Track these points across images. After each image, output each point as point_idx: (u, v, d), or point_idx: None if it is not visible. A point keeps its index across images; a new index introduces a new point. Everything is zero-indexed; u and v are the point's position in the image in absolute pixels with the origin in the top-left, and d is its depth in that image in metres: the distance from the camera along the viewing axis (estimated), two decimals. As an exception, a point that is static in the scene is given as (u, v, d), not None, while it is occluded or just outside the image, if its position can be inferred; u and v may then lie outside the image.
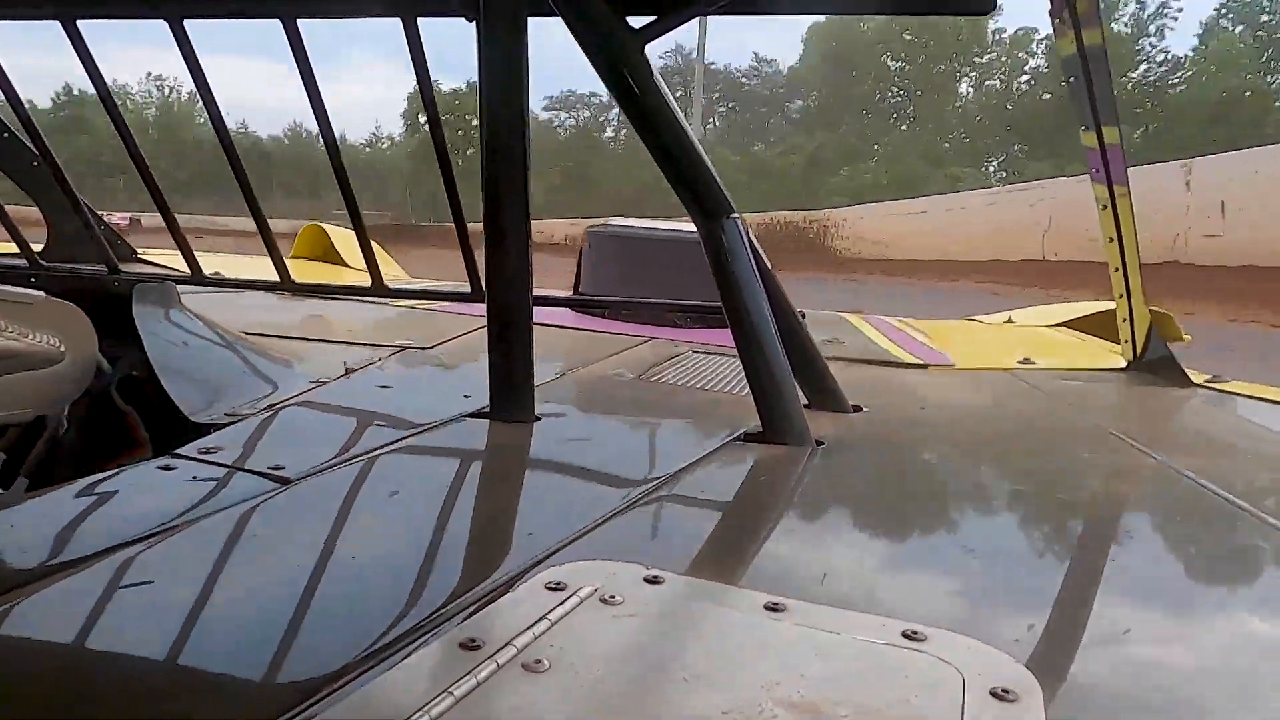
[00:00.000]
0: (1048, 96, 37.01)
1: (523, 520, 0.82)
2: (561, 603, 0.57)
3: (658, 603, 0.59)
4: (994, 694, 0.48)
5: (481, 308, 1.11)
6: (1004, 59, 42.19)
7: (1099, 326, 2.37)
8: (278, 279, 1.41)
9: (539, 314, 1.10)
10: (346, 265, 3.11)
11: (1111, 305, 2.41)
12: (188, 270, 1.47)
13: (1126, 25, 35.87)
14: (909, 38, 42.13)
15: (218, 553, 0.68)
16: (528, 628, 0.54)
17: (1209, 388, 1.69)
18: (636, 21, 0.98)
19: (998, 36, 41.43)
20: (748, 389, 1.11)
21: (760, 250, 1.17)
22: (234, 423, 1.02)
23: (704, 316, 2.02)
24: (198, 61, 1.18)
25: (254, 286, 1.59)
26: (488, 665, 0.49)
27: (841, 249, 25.40)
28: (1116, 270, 1.76)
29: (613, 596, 0.59)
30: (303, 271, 2.42)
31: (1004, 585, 0.70)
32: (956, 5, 0.98)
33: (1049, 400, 1.55)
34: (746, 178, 38.78)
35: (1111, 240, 1.72)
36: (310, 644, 0.55)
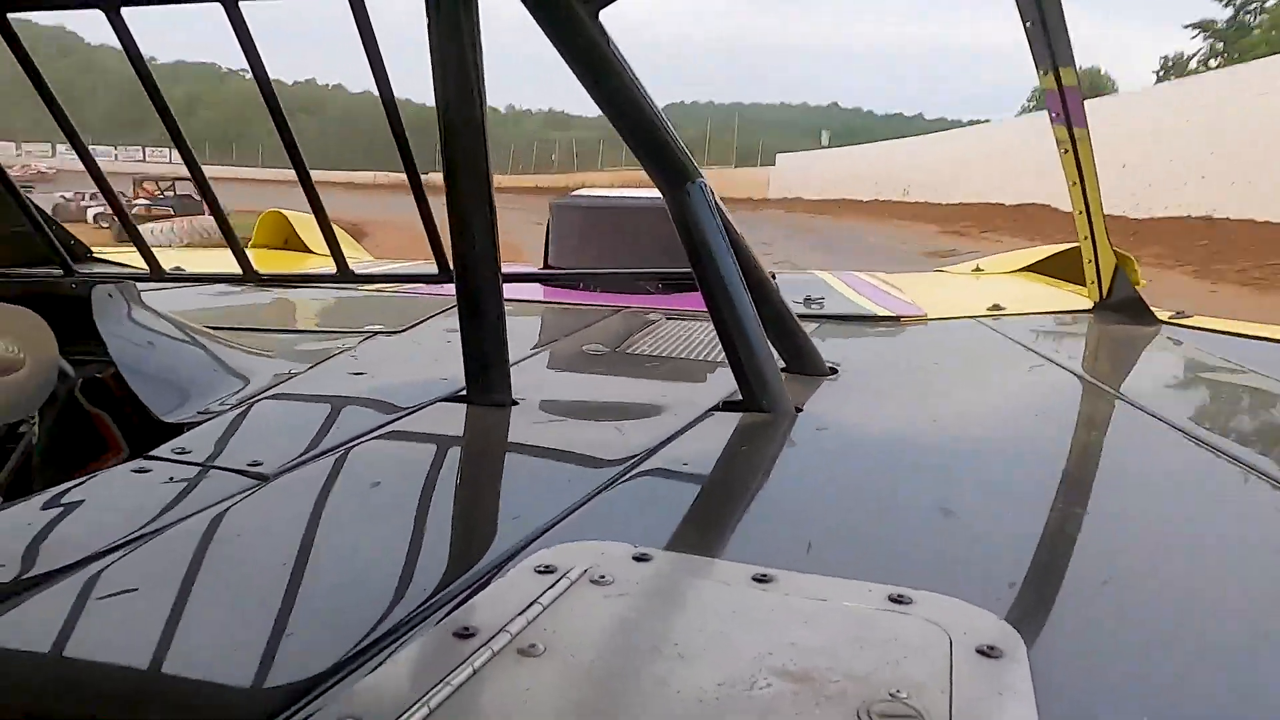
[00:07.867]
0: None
1: (507, 504, 0.82)
2: (552, 585, 0.58)
3: (647, 580, 0.59)
4: (980, 652, 0.49)
5: (451, 288, 1.09)
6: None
7: (1064, 267, 2.39)
8: (239, 272, 1.38)
9: (509, 290, 1.09)
10: (310, 251, 3.06)
11: (1073, 245, 2.45)
12: (145, 268, 1.43)
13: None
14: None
15: (199, 555, 0.67)
16: (520, 612, 0.54)
17: (1175, 324, 1.71)
18: None
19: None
20: (724, 355, 1.11)
21: (726, 213, 1.16)
22: (206, 421, 1.01)
23: (675, 282, 2.01)
24: (138, 50, 1.14)
25: (216, 280, 1.56)
26: (483, 653, 0.49)
27: None
28: (1080, 213, 1.78)
29: (603, 577, 0.59)
30: (264, 261, 2.37)
31: (985, 543, 0.71)
32: None
33: (1019, 347, 1.57)
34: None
35: (1075, 184, 1.74)
36: (300, 642, 0.54)
